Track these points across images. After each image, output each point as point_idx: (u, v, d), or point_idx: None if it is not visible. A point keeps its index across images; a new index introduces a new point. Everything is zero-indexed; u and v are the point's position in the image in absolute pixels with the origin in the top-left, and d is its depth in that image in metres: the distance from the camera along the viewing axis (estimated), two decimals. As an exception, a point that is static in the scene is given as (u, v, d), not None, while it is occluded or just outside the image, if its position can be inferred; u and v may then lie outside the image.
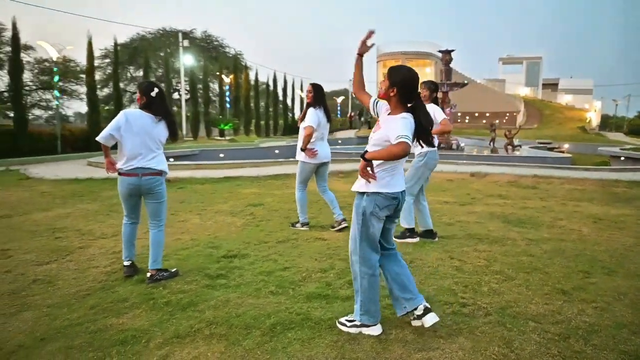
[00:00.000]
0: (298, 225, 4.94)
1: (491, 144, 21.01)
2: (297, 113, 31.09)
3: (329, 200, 5.00)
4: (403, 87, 2.37)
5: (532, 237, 4.57)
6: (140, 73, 34.72)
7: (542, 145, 23.73)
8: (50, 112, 26.14)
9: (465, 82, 22.71)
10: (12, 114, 15.67)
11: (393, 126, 2.30)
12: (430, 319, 2.42)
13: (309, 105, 4.76)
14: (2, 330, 2.53)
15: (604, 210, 6.10)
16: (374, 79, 43.66)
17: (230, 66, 26.92)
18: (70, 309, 2.82)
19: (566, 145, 23.58)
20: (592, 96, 55.10)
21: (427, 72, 41.79)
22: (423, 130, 2.39)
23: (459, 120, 41.31)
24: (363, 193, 2.43)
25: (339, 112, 44.99)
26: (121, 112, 3.31)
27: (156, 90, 3.31)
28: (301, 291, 3.09)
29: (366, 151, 2.34)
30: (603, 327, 2.54)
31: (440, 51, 20.97)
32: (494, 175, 9.36)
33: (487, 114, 41.62)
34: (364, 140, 24.91)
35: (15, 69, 13.27)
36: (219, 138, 19.82)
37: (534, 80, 60.26)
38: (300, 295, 3.01)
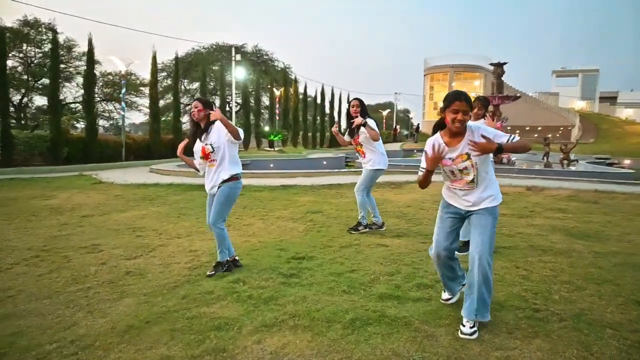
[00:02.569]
0: (361, 228, 5.14)
1: (545, 158, 20.34)
2: (344, 125, 31.48)
3: (372, 205, 5.22)
4: None
5: (599, 250, 4.50)
6: (194, 85, 36.44)
7: (599, 160, 22.67)
8: (110, 122, 27.92)
9: (518, 94, 22.24)
10: (82, 124, 16.90)
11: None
12: None
13: (350, 118, 5.02)
14: (111, 312, 2.85)
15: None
16: (421, 92, 43.45)
17: (280, 79, 27.74)
18: (164, 297, 3.11)
19: (627, 161, 22.41)
20: (655, 109, 52.01)
21: (475, 85, 41.14)
22: None
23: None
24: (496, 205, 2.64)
25: (383, 125, 44.99)
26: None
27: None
28: (372, 291, 3.24)
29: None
30: (684, 338, 2.52)
31: (492, 64, 20.72)
32: (552, 190, 9.13)
33: (539, 128, 40.24)
34: (409, 152, 24.79)
35: (89, 81, 14.37)
36: (268, 149, 20.39)
37: (590, 93, 57.61)
38: (372, 295, 3.16)
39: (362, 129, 4.96)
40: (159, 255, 4.17)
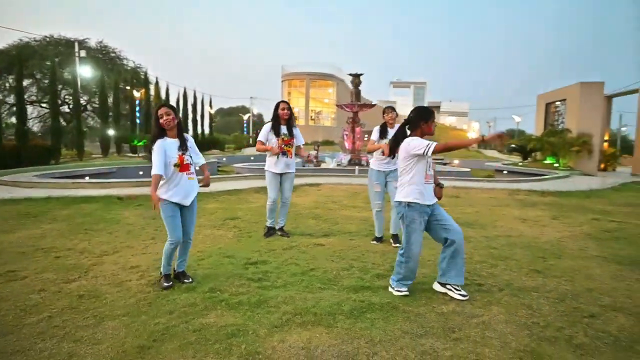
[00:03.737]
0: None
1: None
2: (207, 129, 30.62)
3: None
4: None
5: (487, 235, 5.59)
6: (24, 83, 31.37)
7: (435, 161, 26.52)
8: None
9: (374, 103, 24.66)
10: None
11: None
12: None
13: (278, 121, 5.19)
14: (103, 337, 2.64)
15: (522, 212, 7.49)
16: (279, 96, 44.77)
17: (132, 79, 25.84)
18: (149, 315, 2.97)
19: (456, 161, 26.60)
20: (468, 118, 62.66)
21: (329, 92, 44.03)
22: None
23: (366, 138, 43.98)
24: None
25: (245, 129, 45.06)
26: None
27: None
28: (344, 285, 3.59)
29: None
30: (580, 292, 3.48)
31: (350, 74, 22.58)
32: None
33: (384, 133, 45.05)
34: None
35: None
36: (131, 155, 18.89)
37: (420, 102, 66.48)
38: (347, 289, 3.51)
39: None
40: (100, 275, 3.83)
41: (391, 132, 5.09)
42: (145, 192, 8.52)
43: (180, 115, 26.01)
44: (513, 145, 25.41)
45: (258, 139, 5.31)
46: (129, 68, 33.31)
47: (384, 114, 5.18)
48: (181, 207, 3.57)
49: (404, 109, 67.85)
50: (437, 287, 3.43)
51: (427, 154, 3.21)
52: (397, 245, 4.93)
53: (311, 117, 41.13)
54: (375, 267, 4.14)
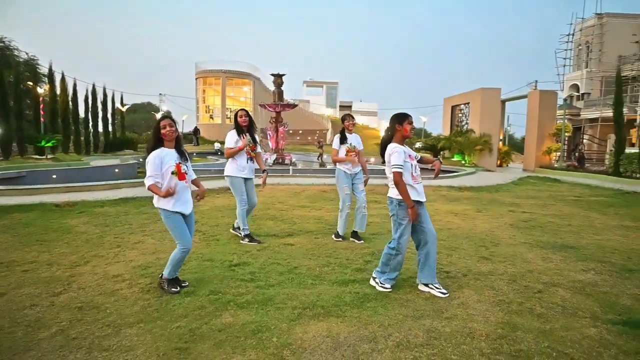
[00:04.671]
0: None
1: (319, 158, 23.87)
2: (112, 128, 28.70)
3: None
4: None
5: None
6: None
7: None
8: None
9: (296, 103, 25.18)
10: None
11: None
12: None
13: (240, 129, 5.33)
14: (131, 345, 2.72)
15: (451, 207, 8.42)
16: (194, 95, 43.37)
17: (23, 72, 23.55)
18: (164, 320, 3.08)
19: (372, 159, 28.13)
20: (377, 117, 65.95)
21: (245, 91, 43.65)
22: None
23: (292, 134, 44.21)
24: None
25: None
26: None
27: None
28: (332, 280, 3.96)
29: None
30: (523, 273, 4.22)
31: (272, 74, 22.79)
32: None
33: (300, 131, 45.66)
34: (202, 155, 24.92)
35: None
36: (37, 157, 17.23)
37: (332, 102, 68.55)
38: (336, 283, 3.88)
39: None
40: (86, 286, 3.77)
41: (350, 138, 5.53)
42: (83, 198, 8.08)
43: (90, 113, 24.21)
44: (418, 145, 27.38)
45: (226, 146, 5.36)
46: (20, 60, 30.08)
47: (344, 121, 5.60)
48: (182, 216, 3.65)
49: (318, 109, 68.42)
50: (421, 287, 3.71)
51: (390, 172, 3.64)
52: (361, 242, 5.40)
53: (227, 115, 40.45)
54: (350, 262, 4.55)
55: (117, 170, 16.93)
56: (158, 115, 44.39)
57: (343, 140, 5.54)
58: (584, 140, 30.29)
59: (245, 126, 5.36)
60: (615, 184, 13.29)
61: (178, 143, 3.63)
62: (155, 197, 3.60)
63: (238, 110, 5.53)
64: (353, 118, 5.62)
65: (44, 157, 17.41)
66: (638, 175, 14.79)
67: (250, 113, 5.54)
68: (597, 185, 13.05)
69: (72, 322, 3.04)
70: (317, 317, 3.13)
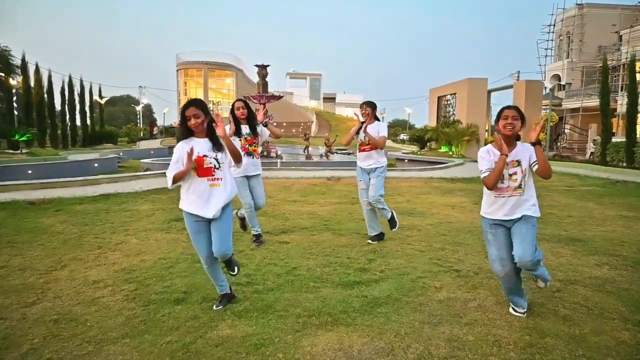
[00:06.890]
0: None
1: (305, 151, 23.50)
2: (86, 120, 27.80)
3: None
4: None
5: (431, 223, 6.04)
6: None
7: (341, 151, 27.44)
8: None
9: (281, 95, 24.71)
10: None
11: None
12: None
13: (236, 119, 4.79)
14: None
15: (445, 199, 8.19)
16: (174, 88, 42.39)
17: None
18: (152, 334, 2.73)
19: (350, 151, 27.85)
20: (361, 109, 65.78)
21: (227, 83, 42.89)
22: None
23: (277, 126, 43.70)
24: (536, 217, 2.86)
25: (139, 121, 41.87)
26: None
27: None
28: (335, 282, 3.65)
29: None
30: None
31: (256, 65, 22.30)
32: (348, 179, 10.97)
33: (284, 124, 45.19)
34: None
35: None
36: (11, 152, 16.49)
37: (316, 94, 68.07)
38: (340, 285, 3.58)
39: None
40: (63, 295, 3.39)
41: (369, 127, 4.98)
42: (59, 195, 7.59)
43: (67, 106, 23.35)
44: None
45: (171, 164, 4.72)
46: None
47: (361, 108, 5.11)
48: (208, 220, 3.03)
49: (302, 101, 68.28)
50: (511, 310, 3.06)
51: None
52: (394, 229, 5.01)
53: (210, 108, 39.74)
54: (352, 261, 4.25)
55: (96, 164, 16.29)
56: (138, 108, 43.55)
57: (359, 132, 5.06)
58: (566, 130, 30.60)
59: (243, 119, 4.79)
60: (603, 174, 13.28)
61: (211, 131, 3.04)
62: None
63: (235, 101, 4.97)
64: (366, 106, 5.01)
65: (19, 151, 16.68)
66: (624, 164, 14.86)
67: (249, 103, 5.00)
68: (585, 175, 13.02)
69: (47, 339, 2.66)
70: (325, 327, 2.82)
